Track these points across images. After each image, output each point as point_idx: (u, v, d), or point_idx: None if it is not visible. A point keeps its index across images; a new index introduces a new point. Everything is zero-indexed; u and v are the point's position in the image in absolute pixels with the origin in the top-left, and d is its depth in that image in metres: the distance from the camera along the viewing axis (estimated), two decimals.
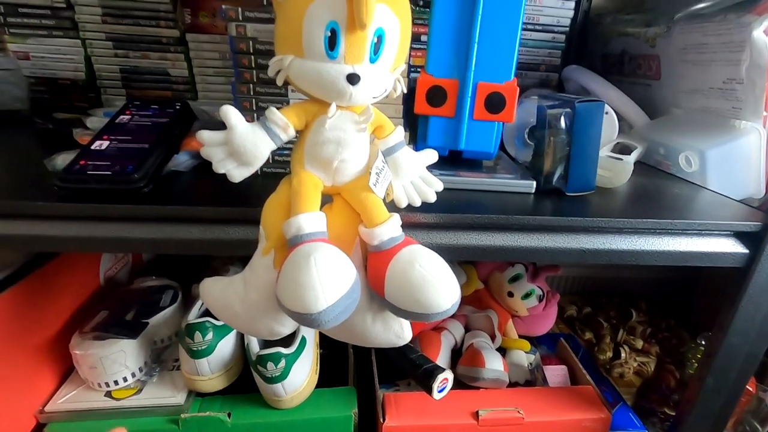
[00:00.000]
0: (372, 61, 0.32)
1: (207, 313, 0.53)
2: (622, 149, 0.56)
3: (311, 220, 0.32)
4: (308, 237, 0.31)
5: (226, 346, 0.52)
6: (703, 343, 0.68)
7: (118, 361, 0.51)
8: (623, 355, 0.83)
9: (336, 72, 0.31)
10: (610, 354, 0.84)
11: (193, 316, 0.53)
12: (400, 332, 0.36)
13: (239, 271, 0.66)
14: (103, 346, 0.50)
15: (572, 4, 0.75)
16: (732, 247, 0.42)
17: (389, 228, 0.33)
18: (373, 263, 0.34)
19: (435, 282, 0.31)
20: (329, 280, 0.28)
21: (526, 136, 0.55)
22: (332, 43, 0.31)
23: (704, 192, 0.50)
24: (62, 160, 0.43)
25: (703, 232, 0.41)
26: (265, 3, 0.51)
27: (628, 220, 0.39)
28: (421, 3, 0.60)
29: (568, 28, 0.77)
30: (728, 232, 0.42)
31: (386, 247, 0.33)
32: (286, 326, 0.35)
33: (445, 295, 0.31)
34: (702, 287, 0.95)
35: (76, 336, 0.51)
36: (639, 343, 0.87)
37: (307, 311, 0.27)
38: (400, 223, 0.34)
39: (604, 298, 1.01)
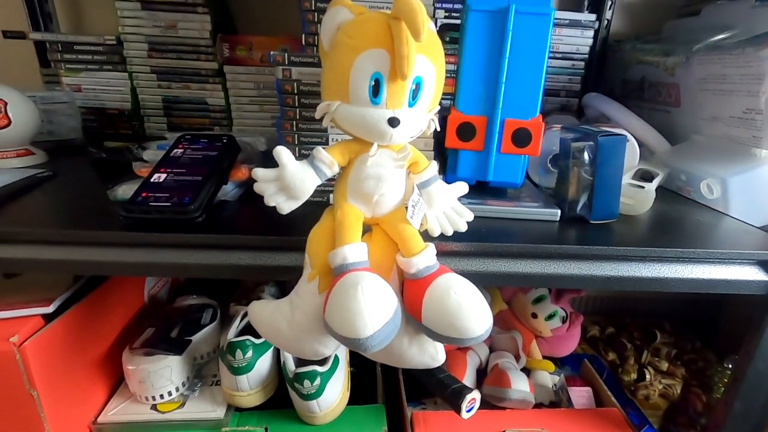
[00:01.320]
0: (410, 105, 0.36)
1: (245, 330, 0.57)
2: (644, 175, 0.57)
3: (355, 250, 0.35)
4: (353, 266, 0.34)
5: (264, 363, 0.55)
6: (730, 366, 0.68)
7: (164, 376, 0.54)
8: (648, 377, 0.83)
9: (378, 116, 0.35)
10: (634, 375, 0.84)
11: (232, 334, 0.56)
12: (434, 354, 0.38)
13: (272, 291, 0.71)
14: (152, 361, 0.53)
15: (591, 33, 0.78)
16: (755, 275, 0.43)
17: (425, 257, 0.36)
18: (410, 290, 0.37)
19: (470, 309, 0.33)
20: (375, 307, 0.31)
21: (548, 163, 0.57)
22: (376, 91, 0.34)
23: (726, 219, 0.51)
24: (123, 191, 0.47)
25: (726, 260, 0.43)
26: (303, 44, 0.56)
27: (652, 248, 0.41)
28: (448, 39, 0.63)
29: (587, 56, 0.80)
30: (751, 261, 0.43)
31: (423, 275, 0.36)
32: (329, 347, 0.38)
33: (480, 322, 0.33)
34: (728, 307, 0.94)
35: (126, 351, 0.55)
36: (664, 365, 0.86)
37: (356, 336, 0.30)
38: (435, 252, 0.37)
39: (627, 318, 1.01)
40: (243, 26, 0.87)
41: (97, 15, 0.86)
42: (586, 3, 0.86)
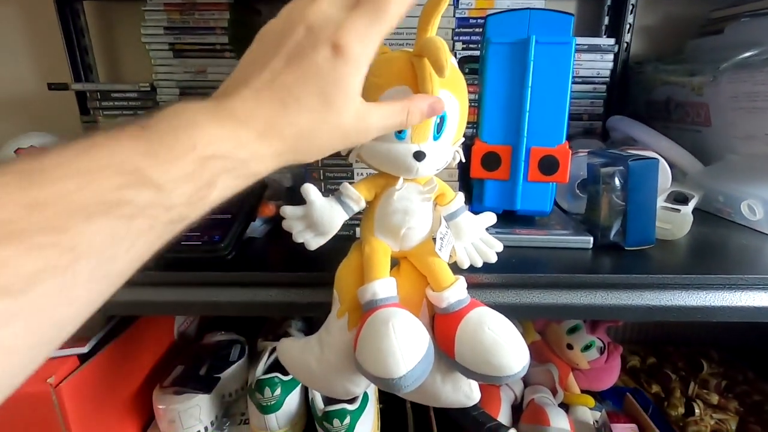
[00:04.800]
0: (435, 138, 0.36)
1: (273, 367, 0.56)
2: (678, 198, 0.55)
3: (384, 285, 0.34)
4: (382, 302, 0.33)
5: (292, 401, 0.54)
6: None
7: (194, 415, 0.54)
8: (697, 411, 0.77)
9: (404, 151, 0.35)
10: (682, 410, 0.78)
11: (260, 371, 0.56)
12: (469, 393, 0.37)
13: (299, 326, 0.70)
14: (181, 400, 0.53)
15: (611, 56, 0.78)
16: None
17: (456, 291, 0.35)
18: (441, 325, 0.36)
19: (505, 345, 0.32)
20: (408, 345, 0.30)
21: (576, 189, 0.56)
22: None
23: None
24: None
25: None
26: None
27: (695, 276, 0.39)
28: (467, 70, 0.64)
29: (608, 79, 0.79)
30: None
31: (454, 309, 0.35)
32: (360, 386, 0.37)
33: (516, 358, 0.32)
34: None
35: (157, 390, 0.55)
36: (714, 398, 0.80)
37: (389, 376, 0.29)
38: (466, 285, 0.36)
39: (669, 346, 0.95)
40: None
41: (134, 64, 0.92)
42: (603, 28, 0.86)
